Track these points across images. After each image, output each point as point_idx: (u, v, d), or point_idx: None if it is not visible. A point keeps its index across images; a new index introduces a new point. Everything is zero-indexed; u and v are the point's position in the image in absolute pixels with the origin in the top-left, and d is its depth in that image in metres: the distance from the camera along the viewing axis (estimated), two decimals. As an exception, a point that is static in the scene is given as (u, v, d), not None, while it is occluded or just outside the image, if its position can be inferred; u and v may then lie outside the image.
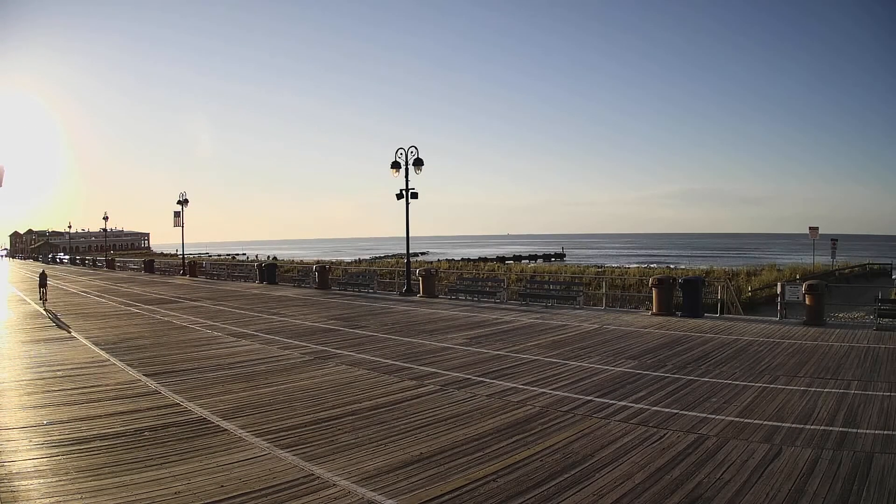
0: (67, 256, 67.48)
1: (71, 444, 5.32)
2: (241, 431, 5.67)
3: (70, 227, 71.80)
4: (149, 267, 41.71)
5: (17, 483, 4.44)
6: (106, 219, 54.22)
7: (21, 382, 7.86)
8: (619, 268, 46.93)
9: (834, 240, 38.50)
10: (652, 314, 14.44)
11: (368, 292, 21.50)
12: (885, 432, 5.48)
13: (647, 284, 16.01)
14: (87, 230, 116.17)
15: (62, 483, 4.44)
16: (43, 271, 19.89)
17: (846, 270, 38.59)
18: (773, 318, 13.51)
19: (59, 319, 14.60)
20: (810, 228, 34.44)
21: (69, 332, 12.33)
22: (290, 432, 5.66)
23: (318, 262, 42.02)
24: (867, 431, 5.52)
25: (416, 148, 20.14)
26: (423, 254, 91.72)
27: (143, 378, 8.04)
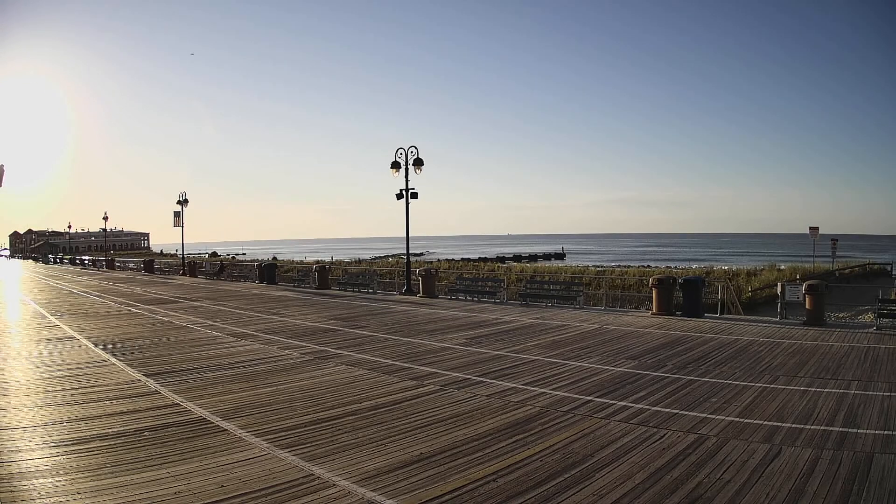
0: (68, 257, 67.31)
1: (71, 444, 5.31)
2: (241, 431, 5.67)
3: (70, 227, 71.80)
4: (148, 267, 41.70)
5: (17, 483, 4.44)
6: (106, 219, 54.32)
7: (21, 383, 7.86)
8: (619, 267, 46.98)
9: (834, 240, 38.48)
10: (652, 314, 14.44)
11: (368, 292, 21.50)
12: (886, 432, 5.48)
13: (647, 284, 16.02)
14: (86, 230, 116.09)
15: (62, 483, 4.44)
16: None
17: (846, 270, 38.58)
18: (773, 319, 13.50)
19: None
20: (810, 228, 34.35)
21: (69, 332, 12.33)
22: (290, 432, 5.66)
23: (317, 261, 42.05)
24: (867, 431, 5.52)
25: (416, 148, 20.10)
26: (421, 254, 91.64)
27: (143, 378, 8.04)
